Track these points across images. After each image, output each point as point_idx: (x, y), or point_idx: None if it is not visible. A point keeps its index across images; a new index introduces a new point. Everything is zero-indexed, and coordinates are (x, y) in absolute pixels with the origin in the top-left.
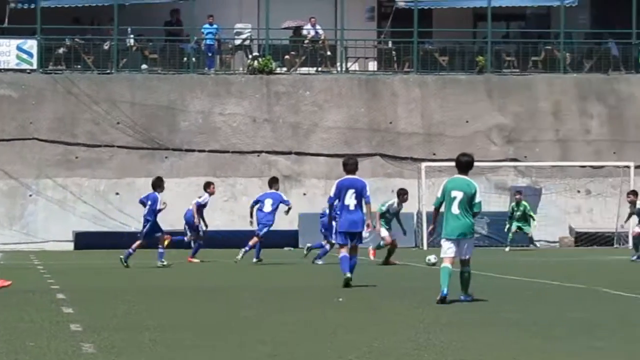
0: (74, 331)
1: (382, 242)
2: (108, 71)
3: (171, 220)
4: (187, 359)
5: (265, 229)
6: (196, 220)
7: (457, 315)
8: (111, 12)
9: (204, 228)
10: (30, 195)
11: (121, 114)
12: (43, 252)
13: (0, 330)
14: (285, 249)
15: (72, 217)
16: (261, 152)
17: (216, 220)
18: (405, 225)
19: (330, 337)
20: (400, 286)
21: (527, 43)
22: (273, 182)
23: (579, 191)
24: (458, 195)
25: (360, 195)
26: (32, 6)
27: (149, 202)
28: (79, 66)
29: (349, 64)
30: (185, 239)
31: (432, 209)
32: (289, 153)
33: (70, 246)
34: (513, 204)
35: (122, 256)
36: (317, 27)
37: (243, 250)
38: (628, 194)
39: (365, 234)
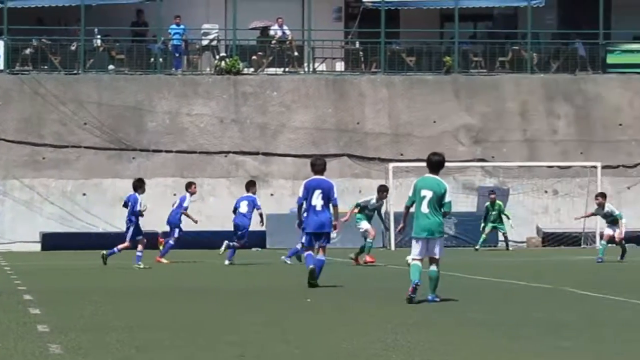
0: (41, 332)
1: (369, 240)
2: (75, 72)
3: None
4: None
5: (239, 232)
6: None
7: (425, 316)
8: (78, 12)
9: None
10: None
11: (88, 115)
12: (10, 253)
13: None
14: (253, 249)
15: (39, 218)
16: (228, 152)
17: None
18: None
19: (298, 337)
20: (368, 286)
21: (494, 43)
22: (249, 185)
23: (546, 191)
24: (428, 194)
25: (328, 196)
26: None
27: (130, 203)
28: (46, 67)
29: (316, 65)
30: (171, 241)
31: (400, 209)
32: (257, 153)
33: (37, 247)
34: (488, 204)
35: (105, 252)
36: (285, 27)
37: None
38: (596, 196)
39: (333, 234)
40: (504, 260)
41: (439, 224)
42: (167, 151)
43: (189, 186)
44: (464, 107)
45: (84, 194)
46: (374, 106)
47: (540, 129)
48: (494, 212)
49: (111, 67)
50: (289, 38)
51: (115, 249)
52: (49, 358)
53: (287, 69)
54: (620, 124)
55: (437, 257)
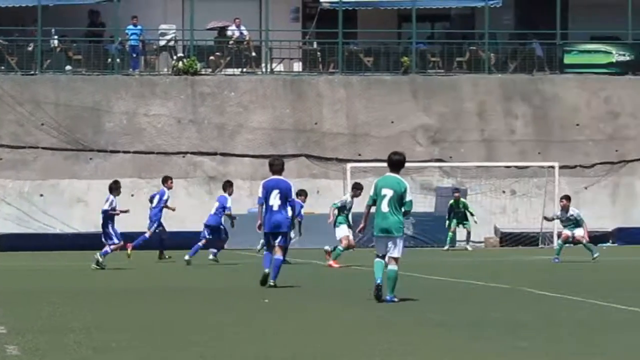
0: None
1: (340, 247)
2: (32, 72)
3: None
4: None
5: (206, 230)
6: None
7: (384, 316)
8: (35, 13)
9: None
10: None
11: (45, 115)
12: None
13: None
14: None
15: None
16: (186, 153)
17: (141, 221)
18: (330, 226)
19: (255, 338)
20: (326, 287)
21: (451, 44)
22: (225, 185)
23: (504, 191)
24: (388, 193)
25: (285, 196)
26: None
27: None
28: (3, 67)
29: (274, 65)
30: (147, 235)
31: (359, 209)
32: (214, 154)
33: None
34: (452, 201)
35: (98, 255)
36: (242, 28)
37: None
38: (561, 198)
39: (292, 234)
40: (462, 261)
41: (396, 223)
42: (124, 152)
43: (166, 181)
44: (421, 107)
45: (41, 195)
46: (331, 106)
47: (498, 129)
48: (458, 210)
49: (68, 67)
50: (247, 38)
51: (106, 250)
52: (5, 359)
53: (244, 70)
54: (578, 124)
55: (395, 256)
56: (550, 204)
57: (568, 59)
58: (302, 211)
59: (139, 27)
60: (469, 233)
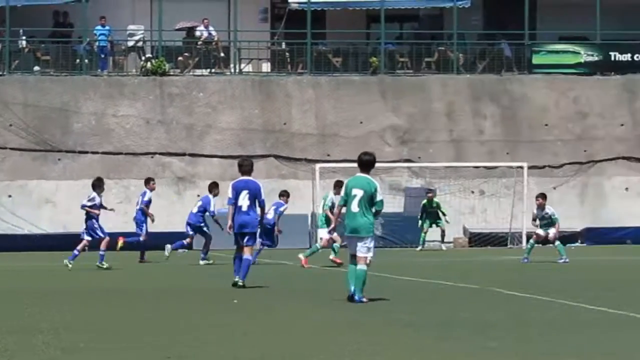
0: None
1: (317, 245)
2: (0, 73)
3: (65, 221)
4: None
5: (188, 228)
6: (149, 216)
7: (353, 316)
8: (3, 13)
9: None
10: None
11: (13, 116)
12: None
13: None
14: (180, 250)
15: None
16: (155, 153)
17: (109, 222)
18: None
19: (224, 339)
20: (294, 287)
21: (420, 44)
22: (211, 187)
23: (472, 192)
24: (358, 193)
25: (254, 196)
26: None
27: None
28: None
29: (242, 65)
30: (141, 238)
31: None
32: (183, 154)
33: None
34: (425, 201)
35: (97, 263)
36: (211, 28)
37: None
38: (537, 197)
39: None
40: (431, 261)
41: (365, 223)
42: (93, 152)
43: (148, 182)
44: (390, 107)
45: (9, 196)
46: (300, 107)
47: (467, 130)
48: (432, 210)
49: (37, 68)
50: (215, 39)
51: (100, 252)
52: None
53: (213, 70)
54: (546, 124)
55: (363, 256)
56: (519, 204)
57: (536, 59)
58: (283, 210)
59: (107, 27)
60: (443, 232)
